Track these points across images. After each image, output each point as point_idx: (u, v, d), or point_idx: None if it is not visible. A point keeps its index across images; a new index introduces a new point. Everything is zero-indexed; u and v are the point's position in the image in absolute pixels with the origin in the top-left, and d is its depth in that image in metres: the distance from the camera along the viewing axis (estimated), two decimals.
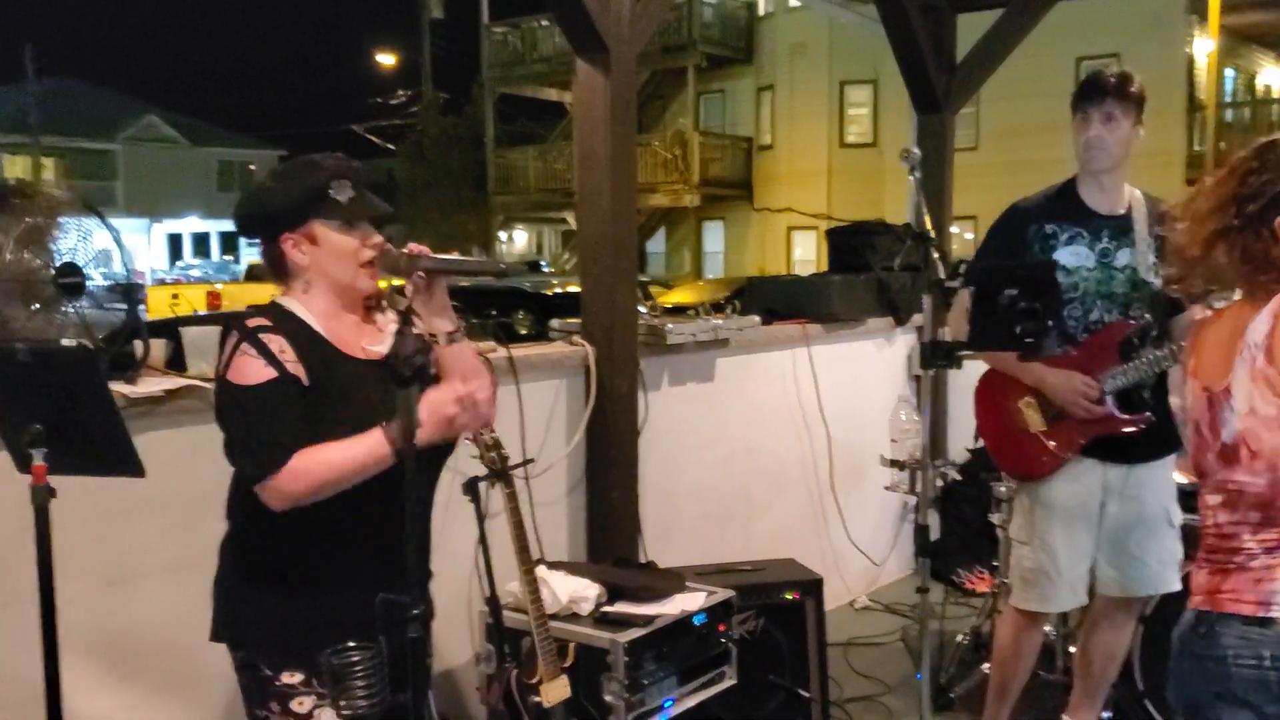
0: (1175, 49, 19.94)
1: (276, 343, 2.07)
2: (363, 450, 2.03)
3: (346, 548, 2.16)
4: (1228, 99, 22.57)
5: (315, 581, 2.16)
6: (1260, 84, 24.42)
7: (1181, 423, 4.22)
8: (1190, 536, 3.57)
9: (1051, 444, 3.21)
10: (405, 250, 2.16)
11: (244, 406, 2.05)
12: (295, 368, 2.06)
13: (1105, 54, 19.76)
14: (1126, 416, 3.20)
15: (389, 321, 2.21)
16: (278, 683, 2.15)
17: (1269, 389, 1.87)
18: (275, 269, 2.19)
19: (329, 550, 2.15)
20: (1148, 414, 3.23)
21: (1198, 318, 3.22)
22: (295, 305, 2.16)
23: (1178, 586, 3.38)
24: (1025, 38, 5.57)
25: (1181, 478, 3.88)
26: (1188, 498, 3.94)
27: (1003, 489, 4.18)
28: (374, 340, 2.19)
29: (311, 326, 2.13)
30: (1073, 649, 3.77)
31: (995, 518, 4.27)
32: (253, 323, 2.09)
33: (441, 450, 2.23)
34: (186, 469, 2.66)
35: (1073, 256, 3.19)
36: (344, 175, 2.13)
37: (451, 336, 2.19)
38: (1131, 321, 3.19)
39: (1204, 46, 20.31)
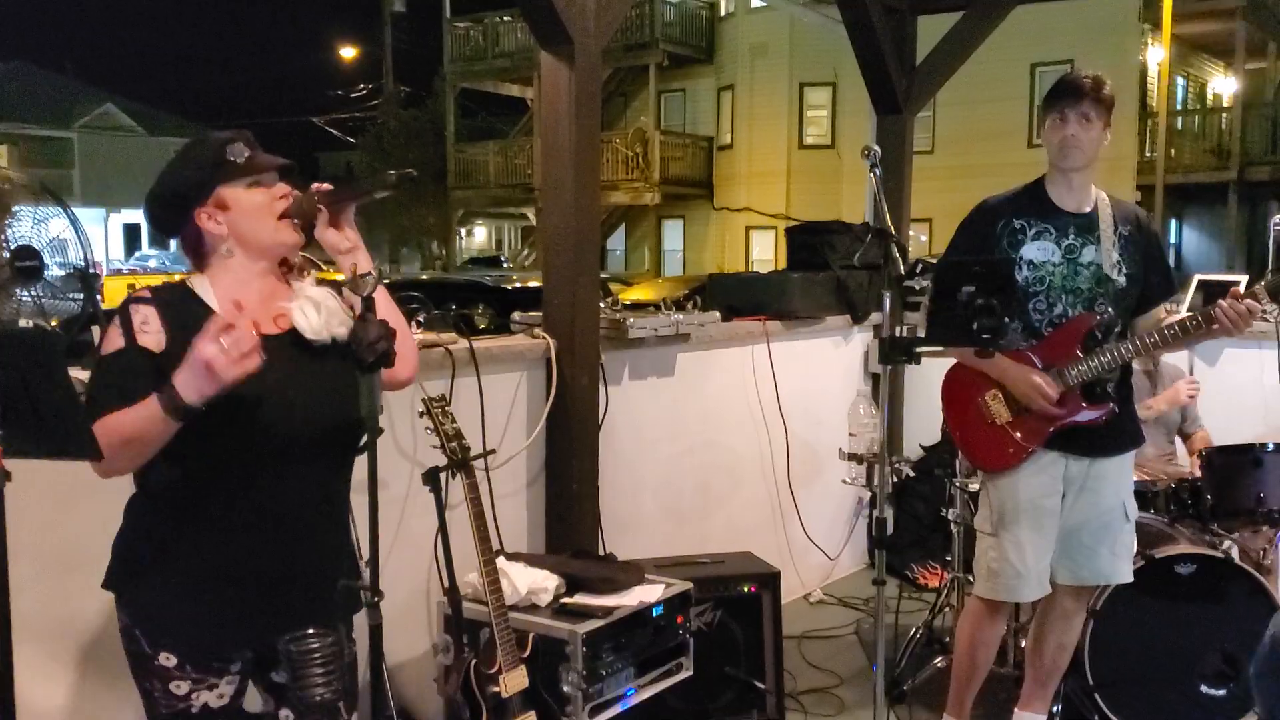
0: (1128, 57, 20.25)
1: (141, 314, 2.06)
2: (138, 414, 1.96)
3: (228, 534, 2.11)
4: (1179, 107, 22.94)
5: (195, 565, 2.11)
6: (1210, 92, 24.86)
7: (1144, 420, 4.32)
8: (1142, 532, 3.65)
9: (1018, 435, 3.27)
10: (310, 190, 2.16)
11: (93, 376, 2.07)
12: (151, 339, 2.04)
13: (1060, 60, 20.04)
14: (1089, 407, 3.27)
15: (303, 287, 2.17)
16: (156, 661, 2.13)
17: None
18: (195, 252, 2.16)
19: (211, 536, 2.11)
20: (1110, 405, 3.31)
21: (1164, 319, 3.31)
22: (200, 282, 2.14)
23: (1130, 578, 3.45)
24: (984, 40, 5.64)
25: (1138, 475, 3.97)
26: (1138, 495, 4.03)
27: (957, 485, 4.24)
28: (282, 309, 2.14)
29: (204, 301, 2.11)
30: (1024, 643, 3.83)
31: (949, 513, 4.34)
32: (134, 295, 2.10)
33: (344, 435, 2.16)
34: None
35: (1039, 252, 3.26)
36: (234, 140, 2.14)
37: (374, 274, 2.12)
38: (1095, 316, 3.26)
39: (1156, 55, 20.67)
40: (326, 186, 2.15)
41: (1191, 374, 4.70)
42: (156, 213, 2.20)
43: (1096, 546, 3.36)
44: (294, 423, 2.09)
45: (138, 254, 36.57)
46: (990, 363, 3.24)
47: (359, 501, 2.11)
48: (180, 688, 2.14)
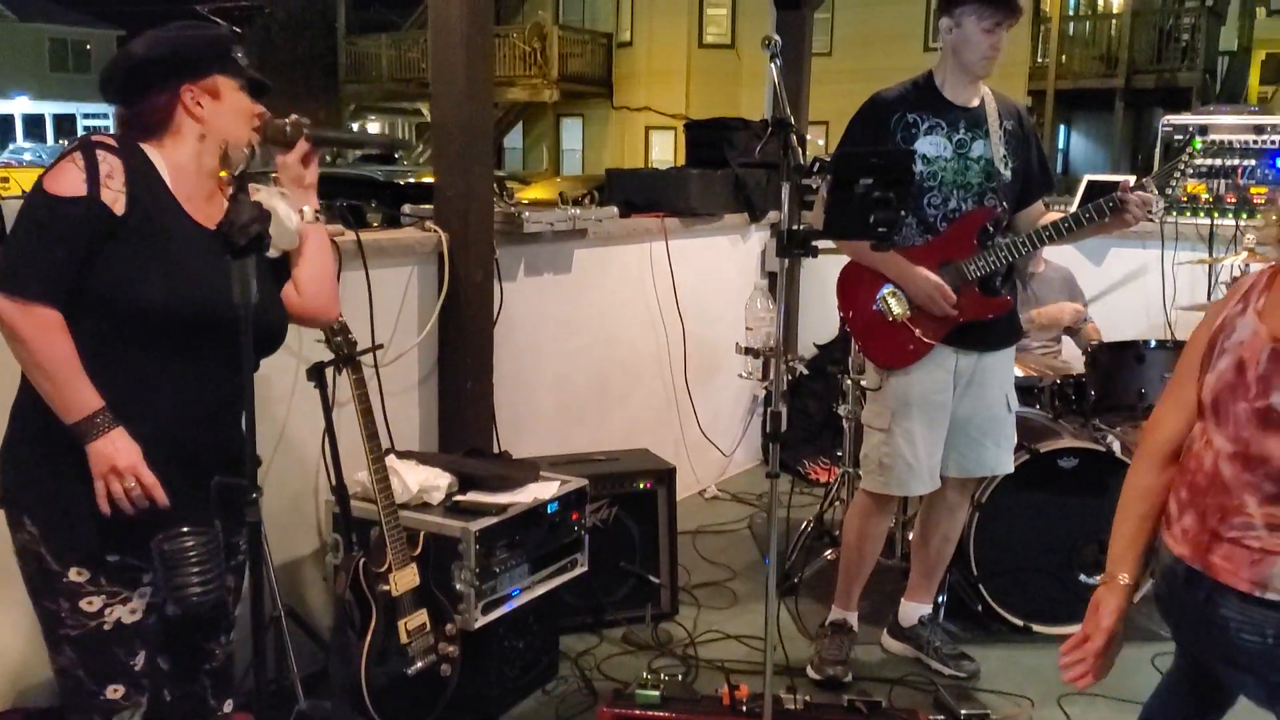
0: None
1: (109, 164, 1.98)
2: (66, 389, 1.96)
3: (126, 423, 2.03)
4: (1070, 13, 23.20)
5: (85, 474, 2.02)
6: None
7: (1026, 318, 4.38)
8: (1022, 425, 3.74)
9: (917, 331, 3.29)
10: (287, 120, 2.18)
11: (37, 215, 1.96)
12: (112, 196, 1.96)
13: None
14: (987, 302, 3.30)
15: (263, 193, 2.14)
16: (65, 578, 2.05)
17: None
18: (155, 123, 2.08)
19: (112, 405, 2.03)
20: (1007, 299, 3.35)
21: (1049, 217, 3.34)
22: (152, 151, 2.07)
23: (1011, 469, 3.54)
24: None
25: (1019, 370, 4.05)
26: (1024, 391, 4.13)
27: (849, 381, 4.28)
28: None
29: (159, 172, 2.05)
30: (911, 536, 3.93)
31: (841, 409, 4.39)
32: (98, 138, 2.01)
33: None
34: None
35: (932, 146, 3.25)
36: (238, 41, 2.16)
37: (316, 215, 2.22)
38: (989, 210, 3.28)
39: None
40: (306, 120, 2.18)
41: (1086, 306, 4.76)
42: (135, 71, 2.09)
43: (982, 439, 3.43)
44: (198, 317, 2.02)
45: (12, 147, 34.74)
46: (888, 263, 3.25)
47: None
48: (92, 604, 2.07)
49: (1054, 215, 3.42)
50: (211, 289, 2.01)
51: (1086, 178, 5.57)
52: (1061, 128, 23.66)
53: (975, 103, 3.30)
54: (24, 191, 2.08)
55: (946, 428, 3.38)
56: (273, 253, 2.15)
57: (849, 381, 4.28)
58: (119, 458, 1.98)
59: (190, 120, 2.08)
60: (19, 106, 37.92)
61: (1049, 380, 4.24)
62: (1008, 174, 3.30)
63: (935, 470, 3.41)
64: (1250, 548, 1.83)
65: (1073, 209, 3.47)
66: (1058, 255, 4.93)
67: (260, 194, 2.10)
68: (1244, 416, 1.83)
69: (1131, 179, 3.22)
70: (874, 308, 3.34)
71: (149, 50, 2.09)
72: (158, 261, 1.99)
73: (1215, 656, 1.96)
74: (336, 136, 2.19)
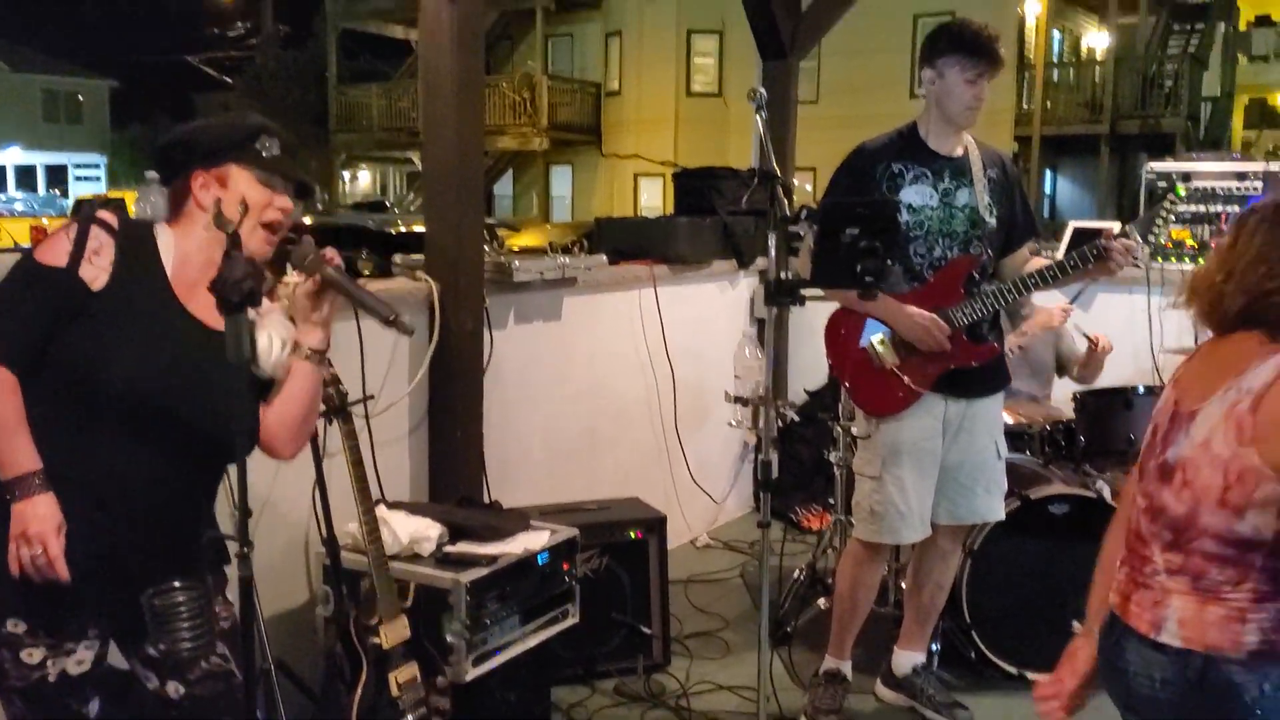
0: (1007, 9, 20.62)
1: (98, 240, 1.99)
2: (3, 445, 1.96)
3: (65, 493, 2.01)
4: (1055, 60, 23.52)
5: None
6: (1085, 46, 25.53)
7: (1018, 351, 4.40)
8: (1013, 471, 3.74)
9: (906, 379, 3.30)
10: (320, 252, 2.13)
11: (15, 277, 1.99)
12: (93, 272, 1.97)
13: (942, 12, 20.25)
14: (976, 348, 3.32)
15: (273, 313, 2.13)
16: (3, 629, 2.03)
17: (1237, 435, 1.84)
18: (175, 205, 2.11)
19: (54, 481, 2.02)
20: (994, 345, 3.37)
21: (1035, 263, 3.37)
22: (164, 232, 2.08)
23: (1002, 516, 3.54)
24: None
25: (1005, 415, 4.06)
26: (1014, 438, 4.14)
27: (841, 428, 4.29)
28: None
29: (160, 256, 2.05)
30: (904, 584, 3.92)
31: (832, 456, 4.39)
32: (102, 215, 2.03)
33: (211, 439, 2.08)
34: None
35: (917, 195, 3.28)
36: (275, 134, 2.11)
37: (318, 355, 2.18)
38: (975, 258, 3.31)
39: (1033, 8, 21.10)
40: (336, 258, 2.14)
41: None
42: (162, 152, 2.15)
43: (973, 486, 3.44)
44: (160, 406, 2.01)
45: (3, 197, 34.87)
46: (876, 306, 3.27)
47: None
48: (33, 656, 2.04)
49: (1040, 261, 3.45)
50: (183, 380, 2.01)
51: (1072, 224, 5.62)
52: (1048, 173, 23.88)
53: (959, 152, 3.34)
54: (15, 245, 2.10)
55: (936, 475, 3.39)
56: (277, 375, 2.13)
57: (839, 428, 4.29)
58: (31, 524, 1.96)
59: (200, 206, 2.08)
60: (11, 157, 38.09)
61: (1039, 426, 4.25)
62: (992, 221, 3.33)
63: (926, 517, 3.41)
64: (1151, 588, 1.95)
65: (1059, 255, 3.51)
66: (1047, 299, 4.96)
67: (264, 315, 2.10)
68: (1152, 473, 1.99)
69: (1116, 226, 3.26)
70: (863, 356, 3.35)
71: (174, 134, 2.15)
72: (128, 344, 1.99)
73: (1120, 703, 2.04)
74: (346, 288, 2.15)
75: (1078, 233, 5.40)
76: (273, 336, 2.11)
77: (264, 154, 2.08)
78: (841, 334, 3.41)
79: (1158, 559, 1.95)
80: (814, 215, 3.02)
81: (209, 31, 32.84)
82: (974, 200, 3.30)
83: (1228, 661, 1.85)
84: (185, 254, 2.07)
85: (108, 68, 41.46)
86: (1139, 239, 3.13)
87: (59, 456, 2.00)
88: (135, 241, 2.03)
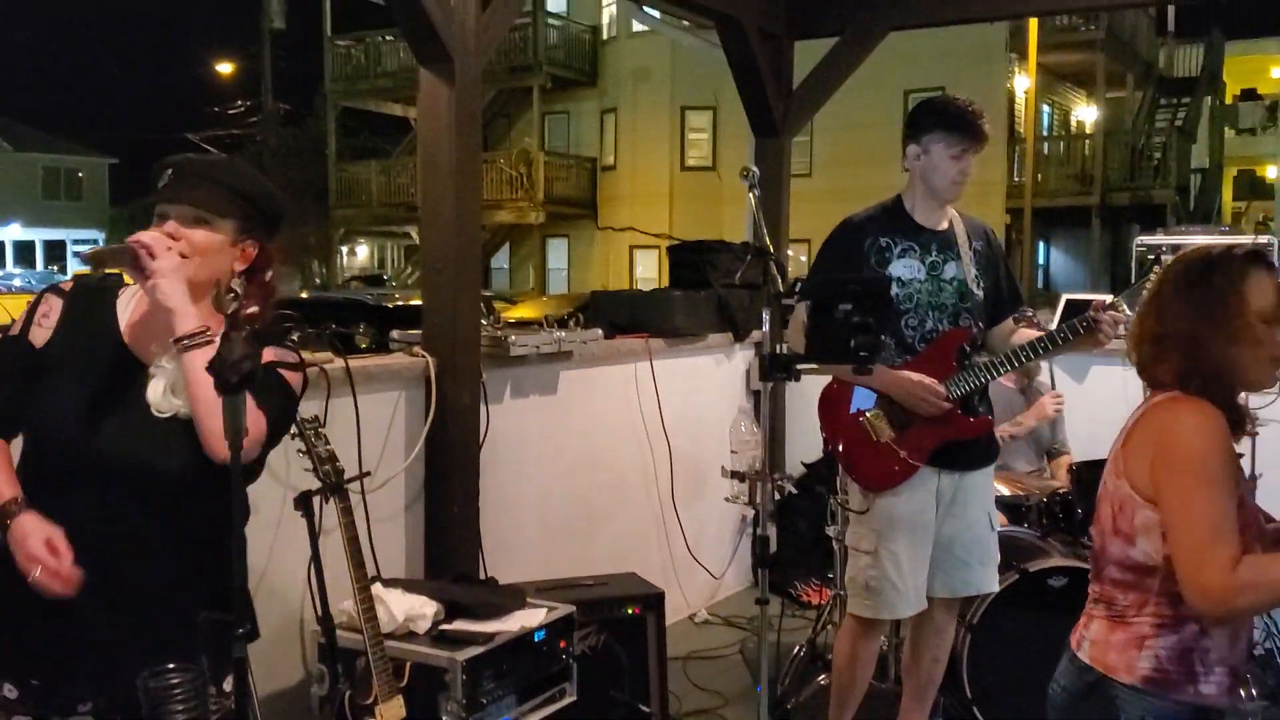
0: (996, 83, 20.98)
1: (48, 304, 2.07)
2: None
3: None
4: (1045, 133, 23.87)
5: (16, 591, 2.02)
6: (1074, 119, 25.93)
7: (1015, 437, 4.41)
8: (1011, 544, 3.73)
9: (903, 453, 3.30)
10: (95, 249, 2.09)
11: None
12: (38, 331, 2.04)
13: (932, 87, 20.61)
14: (973, 420, 3.33)
15: (162, 360, 2.09)
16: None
17: (1114, 469, 2.04)
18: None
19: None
20: (987, 417, 3.38)
21: (1024, 335, 3.41)
22: (128, 290, 2.11)
23: (997, 588, 3.53)
24: (858, 66, 5.76)
25: (1002, 487, 4.06)
26: (1012, 509, 4.13)
27: (838, 501, 4.28)
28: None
29: (115, 311, 2.08)
30: (903, 659, 3.88)
31: (830, 530, 4.37)
32: (60, 283, 2.11)
33: (161, 477, 2.07)
34: None
35: (906, 269, 3.32)
36: (170, 164, 2.08)
37: (183, 343, 2.01)
38: (966, 330, 3.34)
39: (1023, 83, 21.48)
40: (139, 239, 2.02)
41: (1054, 388, 4.84)
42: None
43: (968, 559, 3.43)
44: (109, 454, 2.02)
45: (2, 273, 35.05)
46: (870, 376, 3.28)
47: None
48: None
49: (1030, 333, 3.47)
50: (134, 428, 2.02)
51: (1065, 297, 5.68)
52: (1041, 244, 24.12)
53: (944, 225, 3.39)
54: (12, 321, 2.13)
55: (930, 548, 3.38)
56: (183, 413, 2.08)
57: (837, 502, 4.27)
58: (28, 541, 1.97)
59: None
60: (10, 234, 38.42)
61: (1036, 498, 4.25)
62: (979, 293, 3.37)
63: (921, 591, 3.40)
64: (1087, 614, 2.15)
65: (1052, 327, 3.54)
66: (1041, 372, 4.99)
67: (162, 361, 2.07)
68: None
69: (1107, 298, 3.29)
70: (858, 430, 3.36)
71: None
72: (69, 395, 2.02)
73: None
74: (117, 250, 2.03)
75: (1070, 304, 5.45)
76: (166, 384, 2.07)
77: (159, 185, 2.07)
78: (835, 408, 3.42)
79: (1091, 589, 2.14)
80: (807, 291, 3.06)
81: (210, 110, 33.28)
82: (961, 273, 3.34)
83: (1118, 684, 2.01)
84: (139, 314, 2.09)
85: (109, 145, 42.06)
86: (1127, 310, 3.17)
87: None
88: (86, 299, 2.08)
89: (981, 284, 3.37)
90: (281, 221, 2.16)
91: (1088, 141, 22.86)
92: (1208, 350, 1.96)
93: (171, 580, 2.12)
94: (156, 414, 2.04)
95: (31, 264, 36.50)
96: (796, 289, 3.25)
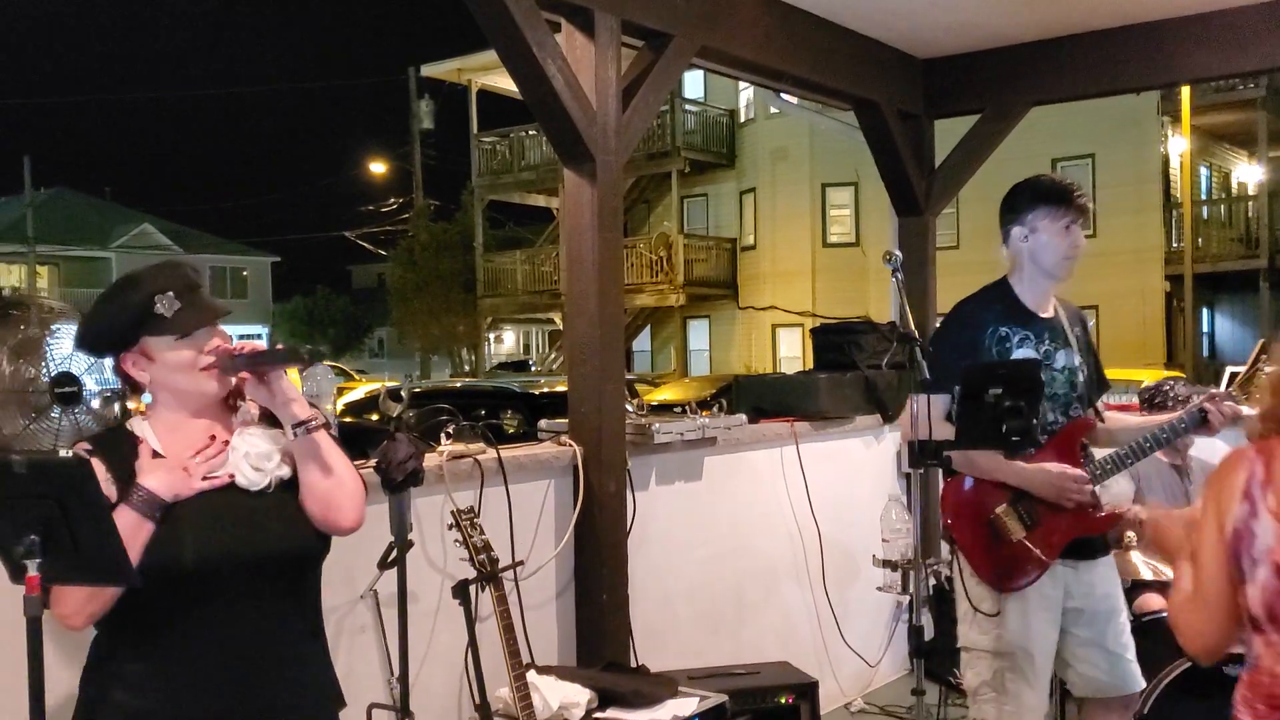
0: (1149, 148, 20.42)
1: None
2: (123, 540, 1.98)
3: (168, 672, 2.06)
4: (1204, 196, 23.02)
5: (138, 704, 2.07)
6: (1235, 180, 24.96)
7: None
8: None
9: (1037, 551, 3.17)
10: (218, 348, 2.13)
11: None
12: (106, 488, 2.02)
13: (1081, 155, 20.25)
14: (1101, 515, 3.23)
15: (244, 420, 2.17)
16: None
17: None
18: (127, 385, 2.18)
19: (152, 674, 2.07)
20: (1114, 511, 3.28)
21: (1145, 422, 3.31)
22: (141, 424, 2.15)
23: (1141, 682, 3.36)
24: (1001, 141, 5.71)
25: (1150, 573, 3.90)
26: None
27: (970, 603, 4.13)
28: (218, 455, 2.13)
29: (150, 445, 2.11)
30: None
31: None
32: (79, 447, 2.11)
33: (284, 567, 2.13)
34: None
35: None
36: (166, 287, 2.08)
37: (305, 426, 2.11)
38: (1088, 420, 3.26)
39: (1177, 145, 20.80)
40: (252, 346, 2.14)
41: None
42: (84, 348, 2.23)
43: (1124, 652, 3.28)
44: (221, 559, 2.05)
45: None
46: (1005, 470, 3.16)
47: (389, 616, 2.09)
48: None
49: (1134, 420, 3.39)
50: (234, 537, 2.07)
51: (1229, 369, 5.46)
52: (1204, 311, 23.13)
53: (1050, 311, 3.30)
54: None
55: (1056, 643, 3.25)
56: (282, 475, 2.14)
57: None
58: (168, 472, 2.04)
59: (144, 384, 2.14)
60: None
61: None
62: (1083, 381, 3.29)
63: (1046, 688, 3.27)
64: None
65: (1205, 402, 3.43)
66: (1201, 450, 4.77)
67: (240, 443, 2.13)
68: None
69: (1220, 389, 3.19)
70: (989, 530, 3.22)
71: (80, 336, 2.19)
72: (168, 529, 2.04)
73: None
74: (264, 356, 2.12)
75: (1234, 378, 5.23)
76: (258, 458, 2.13)
77: (167, 315, 2.06)
78: (962, 509, 3.28)
79: None
80: (941, 379, 3.01)
81: (364, 209, 34.90)
82: (1070, 361, 3.26)
83: None
84: (167, 427, 2.13)
85: (271, 245, 44.47)
86: (1241, 396, 3.07)
87: (149, 642, 2.06)
88: (113, 448, 2.10)
89: (1084, 372, 3.29)
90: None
91: (1251, 203, 21.95)
92: None
93: (299, 679, 2.16)
94: (251, 489, 2.09)
95: None
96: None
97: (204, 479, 2.06)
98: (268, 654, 2.10)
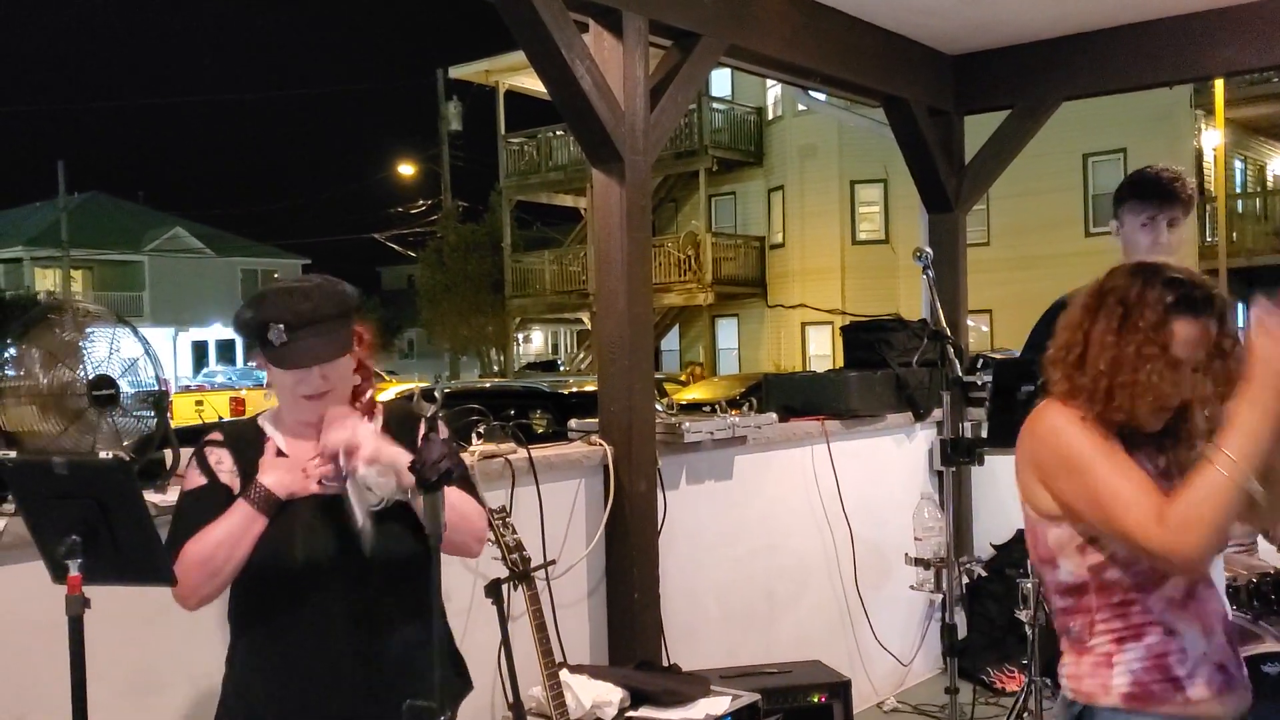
0: (1182, 142, 20.19)
1: (216, 455, 2.19)
2: (222, 524, 2.08)
3: (283, 667, 2.16)
4: (1238, 189, 22.75)
5: (260, 707, 2.17)
6: (1270, 174, 24.63)
7: None
8: None
9: None
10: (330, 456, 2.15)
11: (177, 511, 2.18)
12: (228, 477, 2.16)
13: (1112, 149, 20.05)
14: None
15: (360, 471, 2.18)
16: None
17: (1020, 498, 2.05)
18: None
19: (270, 674, 2.17)
20: None
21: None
22: (268, 420, 2.27)
23: None
24: (1032, 137, 5.68)
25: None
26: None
27: (1029, 584, 4.13)
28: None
29: (275, 443, 2.21)
30: None
31: (1023, 614, 4.22)
32: (208, 437, 2.23)
33: (398, 554, 2.19)
34: None
35: None
36: (279, 319, 2.14)
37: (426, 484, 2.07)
38: None
39: (1211, 139, 20.57)
40: (357, 455, 2.12)
41: None
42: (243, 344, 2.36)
43: None
44: (329, 560, 2.14)
45: (205, 370, 37.44)
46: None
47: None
48: None
49: None
50: (316, 543, 2.14)
51: None
52: (1240, 305, 22.83)
53: None
54: (220, 419, 2.30)
55: None
56: (397, 498, 2.16)
57: (1029, 585, 4.13)
58: (288, 471, 2.13)
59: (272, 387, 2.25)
60: (213, 333, 41.12)
61: (1244, 579, 4.00)
62: None
63: None
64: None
65: None
66: None
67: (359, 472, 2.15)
68: None
69: None
70: None
71: (234, 319, 2.29)
72: (291, 522, 2.14)
73: None
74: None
75: None
76: (364, 491, 2.14)
77: (274, 343, 2.14)
78: None
79: (1054, 624, 2.10)
80: (989, 364, 3.00)
81: (393, 210, 35.11)
82: None
83: (1101, 709, 1.93)
84: (290, 427, 2.23)
85: (302, 249, 44.83)
86: None
87: (266, 646, 2.17)
88: (243, 442, 2.22)
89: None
90: (360, 307, 2.29)
91: None
92: None
93: (399, 664, 2.24)
94: (369, 508, 2.15)
95: (231, 361, 38.97)
96: (979, 365, 3.19)
97: (319, 484, 2.14)
98: (377, 647, 2.19)
